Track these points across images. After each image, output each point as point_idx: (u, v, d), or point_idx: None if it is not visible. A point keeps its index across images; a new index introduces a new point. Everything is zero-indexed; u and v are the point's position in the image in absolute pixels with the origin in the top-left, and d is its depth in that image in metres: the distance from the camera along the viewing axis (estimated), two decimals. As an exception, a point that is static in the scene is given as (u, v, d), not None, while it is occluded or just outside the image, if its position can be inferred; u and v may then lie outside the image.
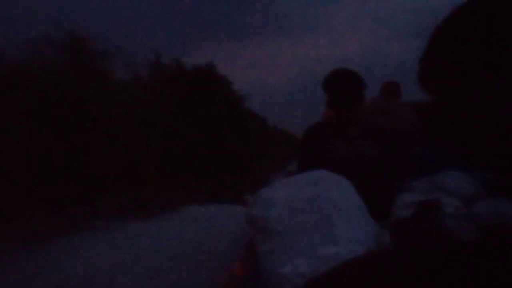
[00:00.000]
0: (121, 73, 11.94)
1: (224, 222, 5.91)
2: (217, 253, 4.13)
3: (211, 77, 14.27)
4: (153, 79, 13.28)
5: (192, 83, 13.56)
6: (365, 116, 2.14)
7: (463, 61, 0.62)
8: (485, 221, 1.15)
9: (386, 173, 1.86)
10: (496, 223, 1.11)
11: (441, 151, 2.04)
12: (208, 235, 5.15)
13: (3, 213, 5.54)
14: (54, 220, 6.01)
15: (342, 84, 1.99)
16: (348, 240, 1.14)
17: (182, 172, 10.87)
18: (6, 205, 5.72)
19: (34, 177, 6.73)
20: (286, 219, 1.19)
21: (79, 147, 7.89)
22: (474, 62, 0.60)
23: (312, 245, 1.12)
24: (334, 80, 2.02)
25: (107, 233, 5.77)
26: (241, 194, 9.29)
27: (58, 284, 3.72)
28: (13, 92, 6.92)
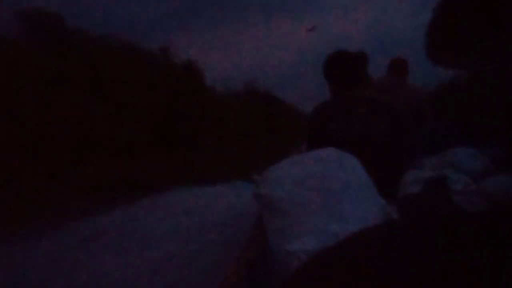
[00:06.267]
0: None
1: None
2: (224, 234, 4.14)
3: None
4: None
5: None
6: (372, 94, 2.14)
7: (478, 29, 0.61)
8: (495, 197, 1.15)
9: (395, 150, 1.85)
10: (506, 199, 1.11)
11: (451, 128, 2.02)
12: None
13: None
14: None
15: (342, 67, 2.00)
16: (356, 218, 1.14)
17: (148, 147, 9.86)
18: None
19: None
20: (294, 197, 1.19)
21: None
22: (488, 30, 0.59)
23: (320, 223, 1.13)
24: (333, 65, 2.03)
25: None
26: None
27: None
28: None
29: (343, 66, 2.00)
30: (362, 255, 0.52)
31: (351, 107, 1.92)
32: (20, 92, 7.07)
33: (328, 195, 1.17)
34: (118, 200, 6.25)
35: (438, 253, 0.49)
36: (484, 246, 0.47)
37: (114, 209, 5.78)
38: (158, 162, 8.90)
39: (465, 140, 1.70)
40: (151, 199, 6.49)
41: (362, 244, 0.53)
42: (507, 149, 1.50)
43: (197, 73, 13.30)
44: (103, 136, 8.30)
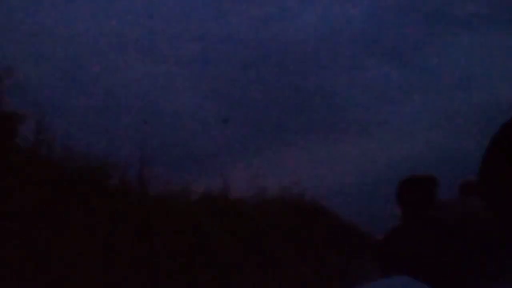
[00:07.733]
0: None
1: None
2: None
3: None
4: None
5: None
6: (445, 216, 2.18)
7: None
8: None
9: (467, 274, 1.81)
10: None
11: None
12: None
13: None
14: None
15: (414, 191, 2.09)
16: None
17: None
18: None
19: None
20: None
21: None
22: None
23: None
24: (406, 189, 2.12)
25: None
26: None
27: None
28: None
29: (416, 191, 2.09)
30: None
31: (424, 230, 1.95)
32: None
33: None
34: None
35: None
36: None
37: None
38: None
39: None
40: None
41: None
42: None
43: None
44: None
